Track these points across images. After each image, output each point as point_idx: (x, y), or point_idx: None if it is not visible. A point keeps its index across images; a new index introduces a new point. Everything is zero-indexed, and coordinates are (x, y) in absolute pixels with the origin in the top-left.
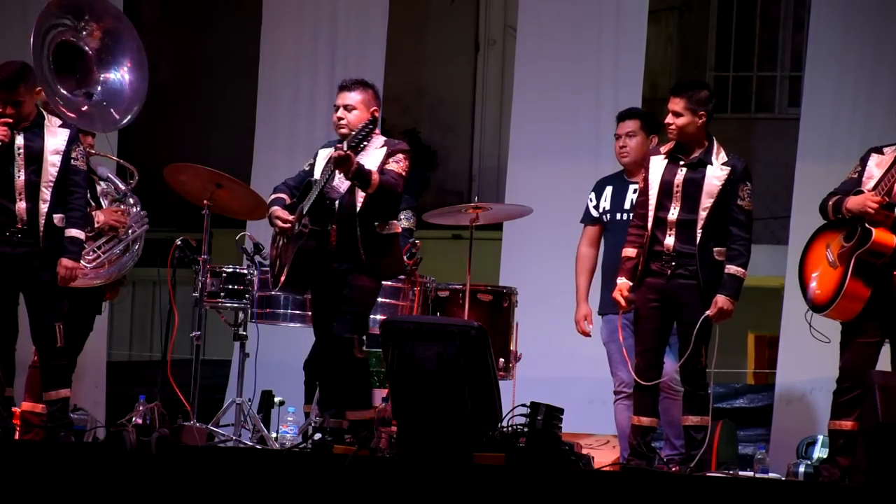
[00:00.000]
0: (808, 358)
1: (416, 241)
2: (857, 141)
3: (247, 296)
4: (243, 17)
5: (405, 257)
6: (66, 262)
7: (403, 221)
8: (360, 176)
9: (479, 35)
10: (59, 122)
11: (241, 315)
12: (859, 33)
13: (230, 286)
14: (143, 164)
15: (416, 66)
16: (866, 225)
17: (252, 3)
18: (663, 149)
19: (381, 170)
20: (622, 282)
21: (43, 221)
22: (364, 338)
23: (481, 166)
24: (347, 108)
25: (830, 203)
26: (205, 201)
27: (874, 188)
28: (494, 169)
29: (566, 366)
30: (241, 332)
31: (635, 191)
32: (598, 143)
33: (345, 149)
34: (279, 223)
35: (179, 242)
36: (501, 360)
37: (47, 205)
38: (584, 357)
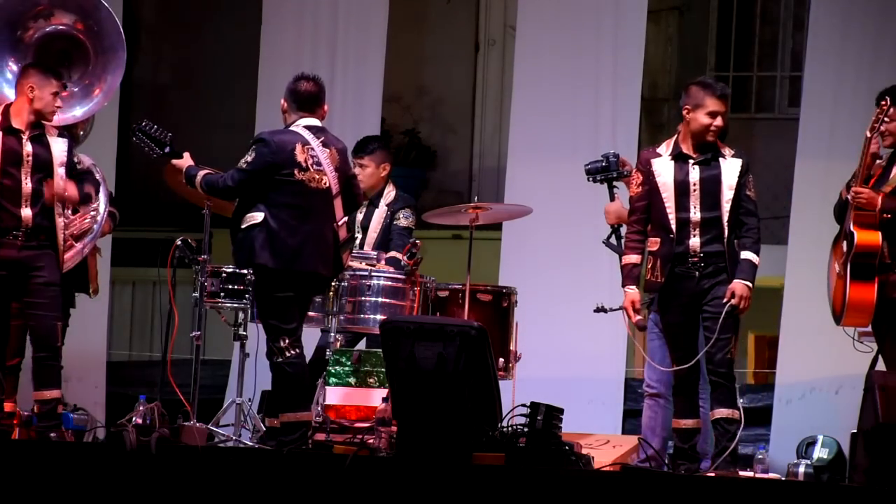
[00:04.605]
0: (808, 358)
1: (417, 241)
2: (856, 141)
3: (247, 296)
4: (243, 18)
5: (405, 257)
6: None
7: (402, 220)
8: (188, 180)
9: (479, 35)
10: (56, 130)
11: (241, 315)
12: (858, 33)
13: (230, 286)
14: (143, 164)
15: (416, 65)
16: (851, 229)
17: (252, 4)
18: (663, 150)
19: None
20: (632, 291)
21: (62, 235)
22: (279, 342)
23: (481, 166)
24: None
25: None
26: (205, 201)
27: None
28: (494, 169)
29: (566, 366)
30: (241, 332)
31: None
32: (597, 143)
33: (175, 157)
34: None
35: (179, 242)
36: (501, 360)
37: (62, 218)
38: (585, 357)
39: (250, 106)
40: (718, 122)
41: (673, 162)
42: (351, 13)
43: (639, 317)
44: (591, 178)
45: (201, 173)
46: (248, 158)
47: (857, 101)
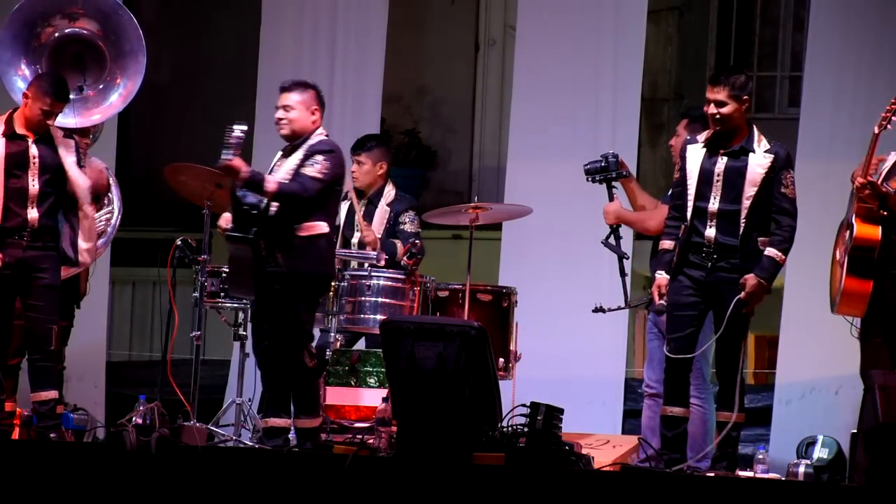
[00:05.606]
0: (808, 358)
1: (417, 241)
2: (856, 141)
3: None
4: (243, 18)
5: (405, 257)
6: None
7: (409, 225)
8: (252, 184)
9: (479, 35)
10: (61, 132)
11: (241, 315)
12: (858, 33)
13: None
14: (144, 164)
15: (416, 65)
16: (852, 220)
17: (252, 4)
18: (700, 137)
19: (298, 173)
20: (661, 276)
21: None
22: (309, 347)
23: (481, 166)
24: (287, 108)
25: None
26: (205, 201)
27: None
28: (494, 169)
29: (566, 366)
30: (241, 332)
31: None
32: (597, 143)
33: (228, 159)
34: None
35: (179, 242)
36: (501, 360)
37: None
38: (585, 357)
39: (250, 106)
40: (711, 108)
41: (705, 150)
42: (351, 13)
43: (661, 301)
44: (590, 179)
45: (274, 180)
46: (324, 168)
47: (857, 102)
